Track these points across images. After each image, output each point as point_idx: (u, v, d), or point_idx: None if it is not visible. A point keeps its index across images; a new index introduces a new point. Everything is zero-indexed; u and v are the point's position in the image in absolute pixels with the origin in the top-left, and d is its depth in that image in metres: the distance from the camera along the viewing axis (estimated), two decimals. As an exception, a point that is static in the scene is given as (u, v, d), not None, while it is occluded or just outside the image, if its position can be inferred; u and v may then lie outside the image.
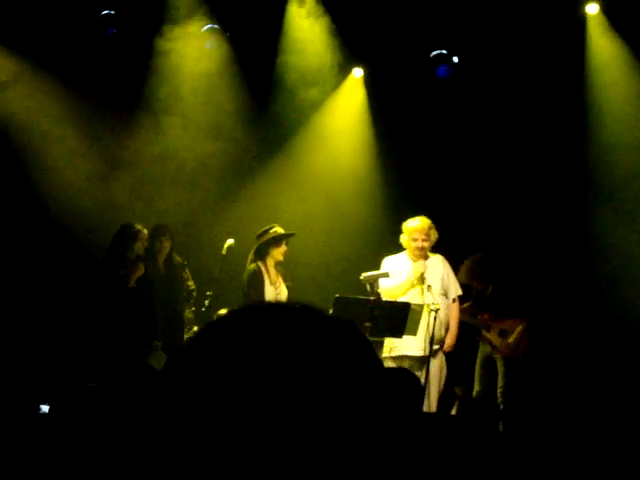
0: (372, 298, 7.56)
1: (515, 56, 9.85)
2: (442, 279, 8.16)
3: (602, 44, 9.92)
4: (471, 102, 10.21)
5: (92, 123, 10.13)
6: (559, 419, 8.62)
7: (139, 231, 8.29)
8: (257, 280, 8.31)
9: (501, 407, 8.65)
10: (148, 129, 10.33)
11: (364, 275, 7.71)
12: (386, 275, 7.81)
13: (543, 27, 9.63)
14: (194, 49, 10.25)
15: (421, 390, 5.24)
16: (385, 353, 8.11)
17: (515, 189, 10.10)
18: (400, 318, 7.67)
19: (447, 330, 8.18)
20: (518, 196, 10.09)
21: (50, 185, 9.85)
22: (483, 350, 8.90)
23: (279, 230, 8.46)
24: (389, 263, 8.20)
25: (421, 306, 7.86)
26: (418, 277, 8.01)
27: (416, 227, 8.08)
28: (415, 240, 8.07)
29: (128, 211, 9.65)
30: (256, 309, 1.06)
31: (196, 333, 1.06)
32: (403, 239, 8.19)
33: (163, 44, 10.17)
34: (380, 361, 1.07)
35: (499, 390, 8.71)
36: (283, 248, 8.43)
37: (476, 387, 8.80)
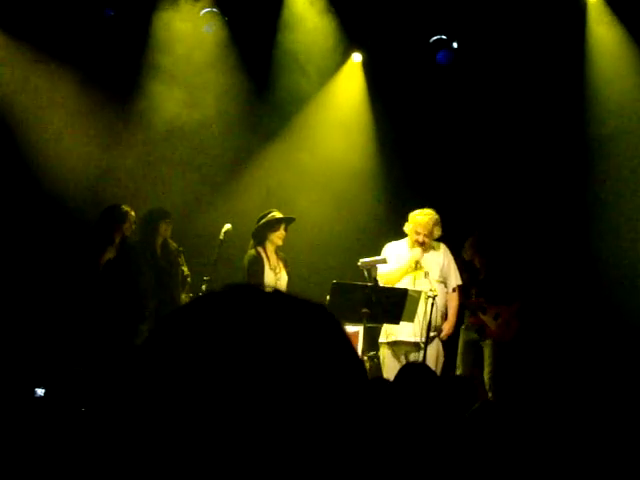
0: (369, 284, 7.55)
1: (515, 42, 9.81)
2: (441, 267, 8.17)
3: (602, 30, 9.89)
4: (471, 87, 10.18)
5: (90, 104, 10.10)
6: (549, 405, 8.59)
7: (127, 212, 8.28)
8: (256, 265, 8.28)
9: (490, 394, 8.64)
10: (145, 114, 10.30)
11: (362, 261, 7.70)
12: (384, 261, 7.81)
13: (543, 12, 9.60)
14: (192, 32, 10.22)
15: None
16: (382, 338, 8.12)
17: (515, 174, 10.07)
18: (397, 304, 7.66)
19: (444, 318, 8.19)
20: (518, 180, 10.06)
21: (47, 161, 9.84)
22: (466, 336, 8.84)
23: (277, 215, 8.42)
24: (389, 249, 8.21)
25: (419, 292, 7.87)
26: (412, 264, 8.01)
27: (420, 222, 8.08)
28: (417, 233, 8.08)
29: (125, 191, 9.64)
30: (221, 294, 1.02)
31: (161, 319, 1.04)
32: (407, 227, 8.19)
33: (160, 27, 10.15)
34: (351, 344, 1.03)
35: (487, 375, 8.69)
36: (281, 232, 8.37)
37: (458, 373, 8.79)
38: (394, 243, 8.28)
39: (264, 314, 0.99)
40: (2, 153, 9.83)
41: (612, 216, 9.61)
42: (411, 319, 7.83)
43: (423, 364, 6.34)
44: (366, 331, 7.83)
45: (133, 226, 8.36)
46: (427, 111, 10.32)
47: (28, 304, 8.84)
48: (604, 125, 9.86)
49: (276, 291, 1.04)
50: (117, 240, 8.25)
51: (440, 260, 8.20)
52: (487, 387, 8.66)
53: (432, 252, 8.18)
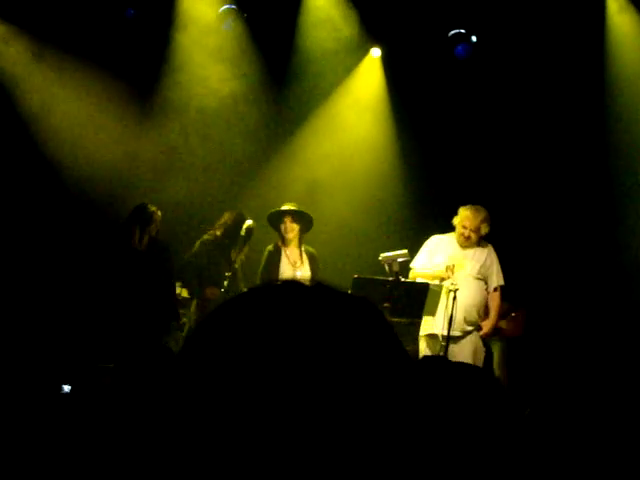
0: (391, 278, 7.55)
1: (534, 34, 9.77)
2: (482, 265, 8.07)
3: (621, 20, 9.82)
4: (490, 81, 10.15)
5: (112, 102, 10.18)
6: (568, 401, 8.56)
7: (154, 213, 8.28)
8: (270, 260, 8.24)
9: None
10: (166, 109, 10.38)
11: (383, 256, 7.70)
12: (405, 255, 7.77)
13: (562, 4, 9.55)
14: (212, 30, 10.27)
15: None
16: (421, 331, 8.02)
17: (536, 167, 10.03)
18: (419, 299, 7.66)
19: (483, 315, 8.09)
20: (539, 173, 10.02)
21: (69, 156, 9.95)
22: None
23: (286, 207, 8.37)
24: (435, 241, 8.16)
25: (440, 286, 7.86)
26: (442, 274, 7.90)
27: (469, 216, 7.99)
28: (464, 228, 7.98)
29: (148, 184, 9.71)
30: (265, 289, 1.03)
31: (205, 316, 1.03)
32: (455, 220, 8.10)
33: (181, 25, 10.21)
34: (398, 338, 1.03)
35: (498, 372, 8.67)
36: (286, 225, 8.26)
37: None
38: (440, 236, 8.21)
39: (309, 308, 0.99)
40: (28, 147, 9.92)
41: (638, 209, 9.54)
42: (432, 313, 7.83)
43: (441, 357, 6.33)
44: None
45: (159, 226, 8.35)
46: (446, 105, 10.29)
47: (55, 300, 8.93)
48: (626, 115, 9.80)
49: (319, 284, 1.04)
50: (145, 239, 8.25)
51: (483, 258, 8.07)
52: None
53: (476, 249, 8.08)
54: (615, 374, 8.58)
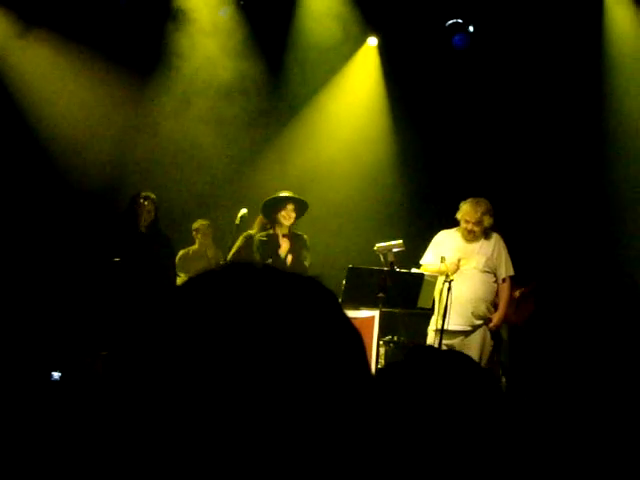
0: (385, 269, 7.52)
1: (532, 25, 9.74)
2: (488, 257, 8.04)
3: (619, 12, 9.81)
4: (487, 72, 10.13)
5: (108, 87, 10.15)
6: (565, 391, 8.56)
7: (139, 201, 8.14)
8: (267, 249, 8.16)
9: (503, 379, 8.60)
10: (163, 96, 10.35)
11: (378, 246, 7.67)
12: (400, 245, 7.73)
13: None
14: (208, 16, 10.21)
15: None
16: (432, 326, 7.97)
17: (533, 158, 10.03)
18: (414, 289, 7.64)
19: (492, 308, 8.06)
20: (536, 164, 10.02)
21: (63, 146, 9.91)
22: None
23: (287, 194, 8.29)
24: (441, 236, 8.15)
25: (435, 277, 7.83)
26: (446, 269, 7.85)
27: (469, 211, 7.95)
28: (466, 222, 7.96)
29: (142, 178, 9.67)
30: (213, 273, 1.01)
31: (156, 304, 1.03)
32: (458, 215, 8.08)
33: (176, 11, 10.16)
34: (346, 316, 1.02)
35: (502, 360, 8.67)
36: (288, 212, 8.16)
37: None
38: (446, 231, 8.18)
39: (251, 289, 0.98)
40: (18, 128, 9.89)
41: (632, 201, 9.54)
42: (428, 304, 7.80)
43: (430, 347, 6.29)
44: (382, 316, 7.82)
45: (151, 214, 8.21)
46: (443, 96, 10.28)
47: (47, 286, 8.90)
48: (622, 106, 9.79)
49: (265, 266, 1.03)
50: (141, 228, 8.14)
51: (489, 251, 8.04)
52: (501, 372, 8.64)
53: (482, 242, 8.07)
54: (620, 367, 8.59)
